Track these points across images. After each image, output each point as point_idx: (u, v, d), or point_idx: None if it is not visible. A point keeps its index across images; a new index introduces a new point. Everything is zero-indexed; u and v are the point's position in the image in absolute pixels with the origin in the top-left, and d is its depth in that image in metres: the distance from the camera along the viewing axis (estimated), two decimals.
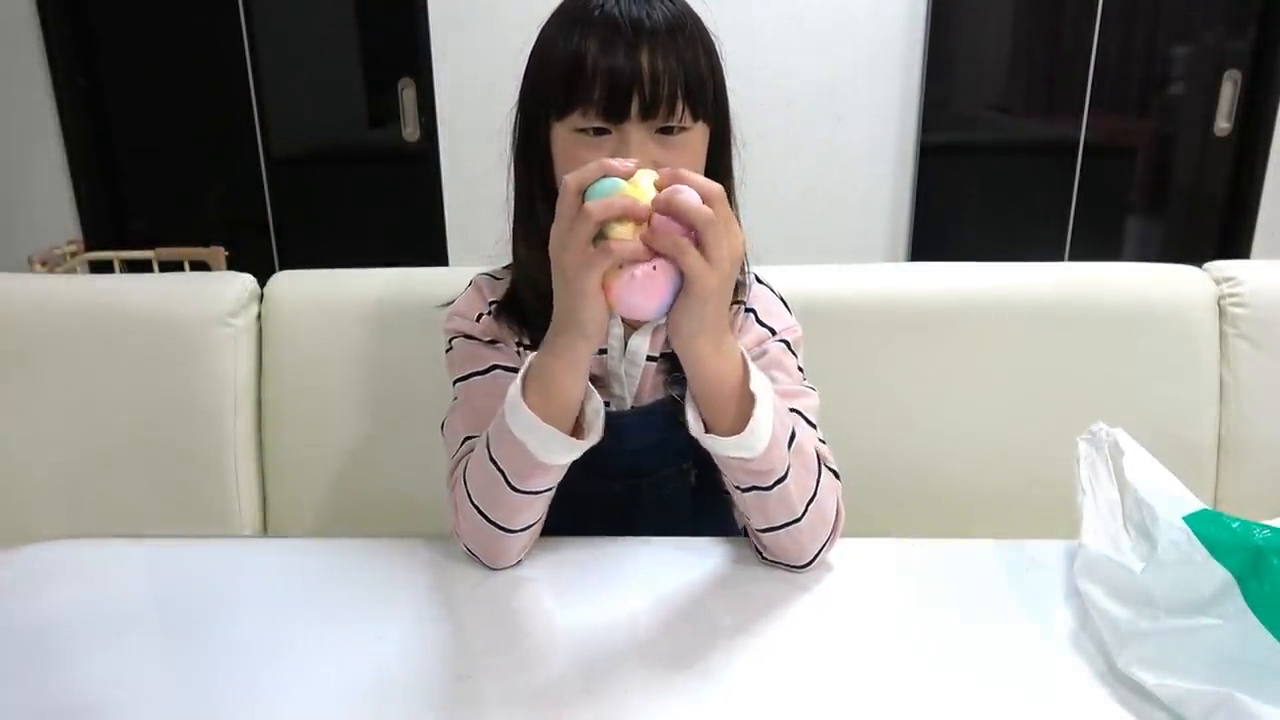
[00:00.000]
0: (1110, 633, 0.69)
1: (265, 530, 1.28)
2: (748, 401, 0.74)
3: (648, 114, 0.80)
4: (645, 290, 0.68)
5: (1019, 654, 0.72)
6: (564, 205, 0.68)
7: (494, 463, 0.78)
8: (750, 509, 0.80)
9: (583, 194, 0.68)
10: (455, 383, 0.91)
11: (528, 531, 0.82)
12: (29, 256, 2.22)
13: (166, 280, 1.38)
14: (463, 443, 0.87)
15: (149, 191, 2.98)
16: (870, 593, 0.80)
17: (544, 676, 0.69)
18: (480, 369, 0.89)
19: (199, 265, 2.18)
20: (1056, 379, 1.24)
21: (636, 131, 0.80)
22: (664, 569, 0.82)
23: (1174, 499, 0.72)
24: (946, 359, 1.24)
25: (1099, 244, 2.89)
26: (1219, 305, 1.24)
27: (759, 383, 0.75)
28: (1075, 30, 2.73)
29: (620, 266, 0.67)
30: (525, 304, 0.89)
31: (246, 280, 1.27)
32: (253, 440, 1.26)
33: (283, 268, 1.31)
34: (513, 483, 0.77)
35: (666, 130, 0.82)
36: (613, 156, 0.74)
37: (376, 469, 1.26)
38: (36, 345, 1.24)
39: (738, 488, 0.80)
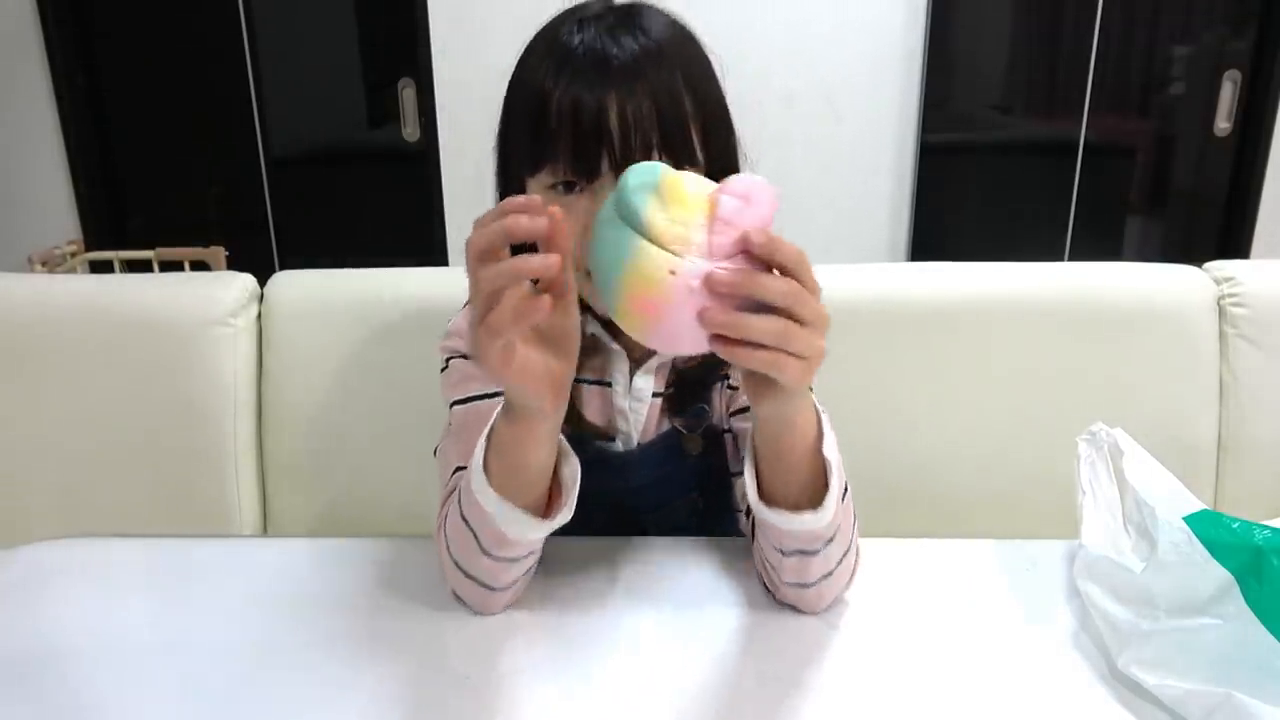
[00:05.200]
0: (1110, 633, 0.69)
1: (265, 530, 1.28)
2: (816, 465, 0.67)
3: (621, 169, 0.67)
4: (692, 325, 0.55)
5: (1019, 654, 0.72)
6: (469, 274, 0.57)
7: (466, 523, 0.71)
8: (787, 570, 0.72)
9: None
10: (451, 405, 0.84)
11: (512, 589, 0.75)
12: (29, 256, 2.22)
13: (166, 280, 1.38)
14: (454, 473, 0.80)
15: (149, 191, 2.98)
16: (870, 593, 0.80)
17: (545, 677, 0.69)
18: (476, 394, 0.83)
19: (199, 265, 2.18)
20: (1056, 379, 1.24)
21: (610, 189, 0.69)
22: (665, 570, 0.82)
23: (1174, 499, 0.72)
24: (946, 359, 1.24)
25: (1099, 244, 2.89)
26: (1219, 305, 1.23)
27: (832, 445, 0.67)
28: (1075, 30, 2.73)
29: (671, 272, 0.54)
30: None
31: (246, 280, 1.27)
32: (253, 440, 1.26)
33: (283, 268, 1.31)
34: (485, 548, 0.71)
35: None
36: (588, 214, 0.65)
37: (376, 469, 1.26)
38: (36, 345, 1.24)
39: (779, 550, 0.72)
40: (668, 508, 0.90)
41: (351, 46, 2.89)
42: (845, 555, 0.73)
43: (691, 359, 0.85)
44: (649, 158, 0.71)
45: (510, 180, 0.80)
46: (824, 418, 0.68)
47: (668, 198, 0.55)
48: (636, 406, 0.86)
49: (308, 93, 2.90)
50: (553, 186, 0.74)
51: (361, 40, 2.88)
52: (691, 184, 0.56)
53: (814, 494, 0.67)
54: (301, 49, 2.87)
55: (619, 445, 0.87)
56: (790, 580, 0.73)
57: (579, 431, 0.84)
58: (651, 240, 0.54)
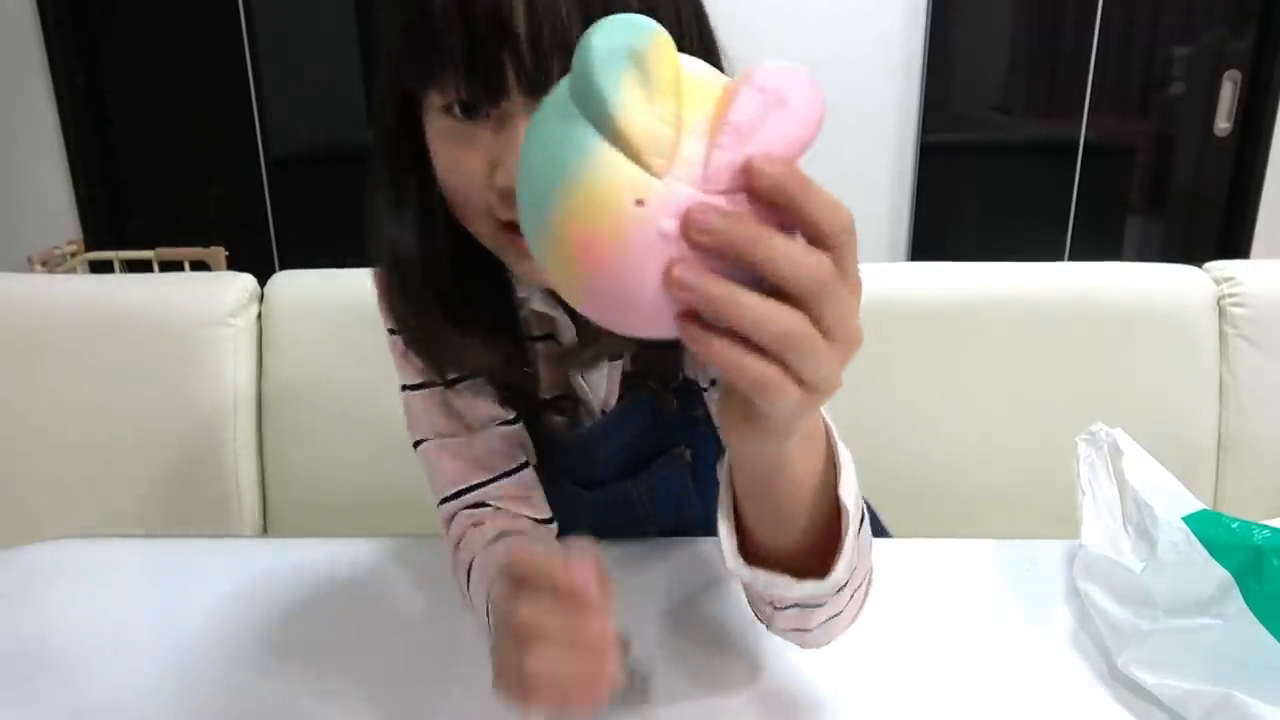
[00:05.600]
0: (1110, 633, 0.69)
1: (265, 530, 1.28)
2: (824, 508, 0.49)
3: (536, 85, 0.51)
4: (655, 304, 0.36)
5: (1019, 654, 0.72)
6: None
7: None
8: (783, 618, 0.60)
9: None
10: (401, 388, 0.76)
11: None
12: (29, 256, 2.22)
13: (166, 280, 1.38)
14: (447, 500, 0.76)
15: (149, 191, 2.98)
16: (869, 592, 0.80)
17: None
18: (419, 382, 0.75)
19: (199, 265, 2.18)
20: (1056, 379, 1.24)
21: (525, 115, 0.52)
22: (665, 570, 0.82)
23: (1173, 499, 0.72)
24: (946, 359, 1.24)
25: (1099, 244, 2.89)
26: (1219, 305, 1.24)
27: (851, 484, 0.49)
28: (1075, 30, 2.72)
29: (639, 202, 0.34)
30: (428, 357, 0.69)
31: (246, 280, 1.27)
32: (253, 440, 1.26)
33: (283, 268, 1.31)
34: None
35: None
36: (495, 149, 0.53)
37: (376, 469, 1.26)
38: (36, 345, 1.24)
39: (770, 603, 0.59)
40: (650, 469, 0.80)
41: (351, 46, 2.88)
42: (857, 590, 0.58)
43: None
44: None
45: (392, 104, 0.60)
46: (838, 446, 0.50)
47: (655, 77, 0.35)
48: (593, 378, 0.73)
49: (308, 93, 2.90)
50: (447, 110, 0.55)
51: (361, 40, 2.88)
52: (694, 64, 0.38)
53: (818, 546, 0.50)
54: (302, 49, 2.86)
55: (587, 422, 0.76)
56: (787, 626, 0.60)
57: (535, 413, 0.76)
58: (618, 143, 0.35)
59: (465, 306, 0.65)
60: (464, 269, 0.64)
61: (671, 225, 0.34)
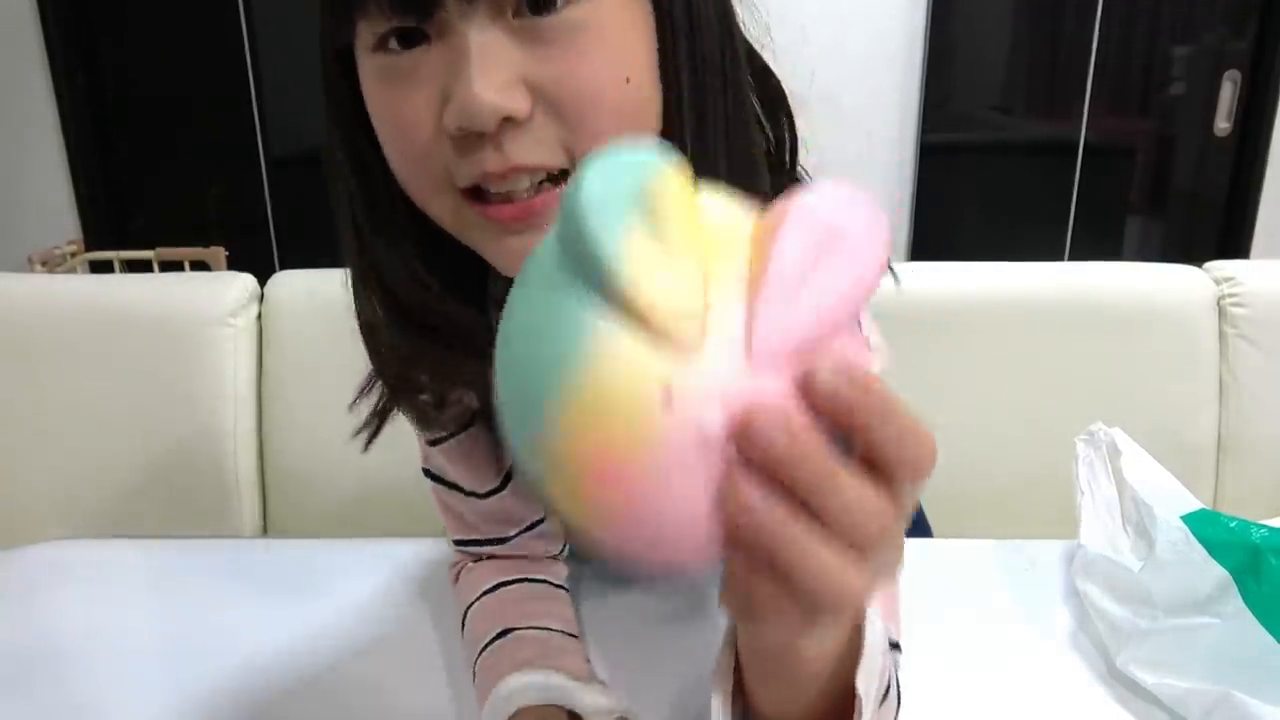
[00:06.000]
0: (1109, 632, 0.69)
1: (265, 530, 1.28)
2: (837, 689, 0.41)
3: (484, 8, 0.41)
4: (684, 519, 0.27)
5: (1018, 654, 0.72)
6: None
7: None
8: None
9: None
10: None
11: None
12: (29, 256, 2.22)
13: (166, 280, 1.38)
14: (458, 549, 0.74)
15: (149, 191, 2.98)
16: None
17: None
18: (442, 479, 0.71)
19: (199, 265, 2.18)
20: (1056, 379, 1.24)
21: (474, 29, 0.41)
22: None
23: (1172, 499, 0.72)
24: (946, 359, 1.24)
25: (1099, 244, 2.88)
26: (1219, 305, 1.24)
27: (871, 673, 0.41)
28: (1075, 30, 2.72)
29: (666, 394, 0.26)
30: (402, 391, 0.61)
31: (246, 280, 1.27)
32: (253, 440, 1.26)
33: (283, 268, 1.31)
34: None
35: (538, 3, 0.41)
36: (440, 77, 0.42)
37: (376, 469, 1.26)
38: (36, 345, 1.24)
39: None
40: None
41: None
42: None
43: None
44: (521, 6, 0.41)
45: (331, 60, 0.50)
46: (868, 627, 0.40)
47: (669, 222, 0.27)
48: None
49: (308, 93, 2.88)
50: (382, 46, 0.44)
51: None
52: (714, 198, 0.30)
53: (831, 712, 0.42)
54: (302, 49, 2.85)
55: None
56: None
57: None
58: (630, 317, 0.26)
59: (444, 317, 0.55)
60: (438, 268, 0.53)
61: (715, 419, 0.26)
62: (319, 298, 1.27)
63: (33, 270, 2.17)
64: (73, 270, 2.29)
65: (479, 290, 0.55)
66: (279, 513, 1.28)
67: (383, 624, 0.76)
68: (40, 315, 1.25)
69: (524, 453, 0.28)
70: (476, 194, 0.45)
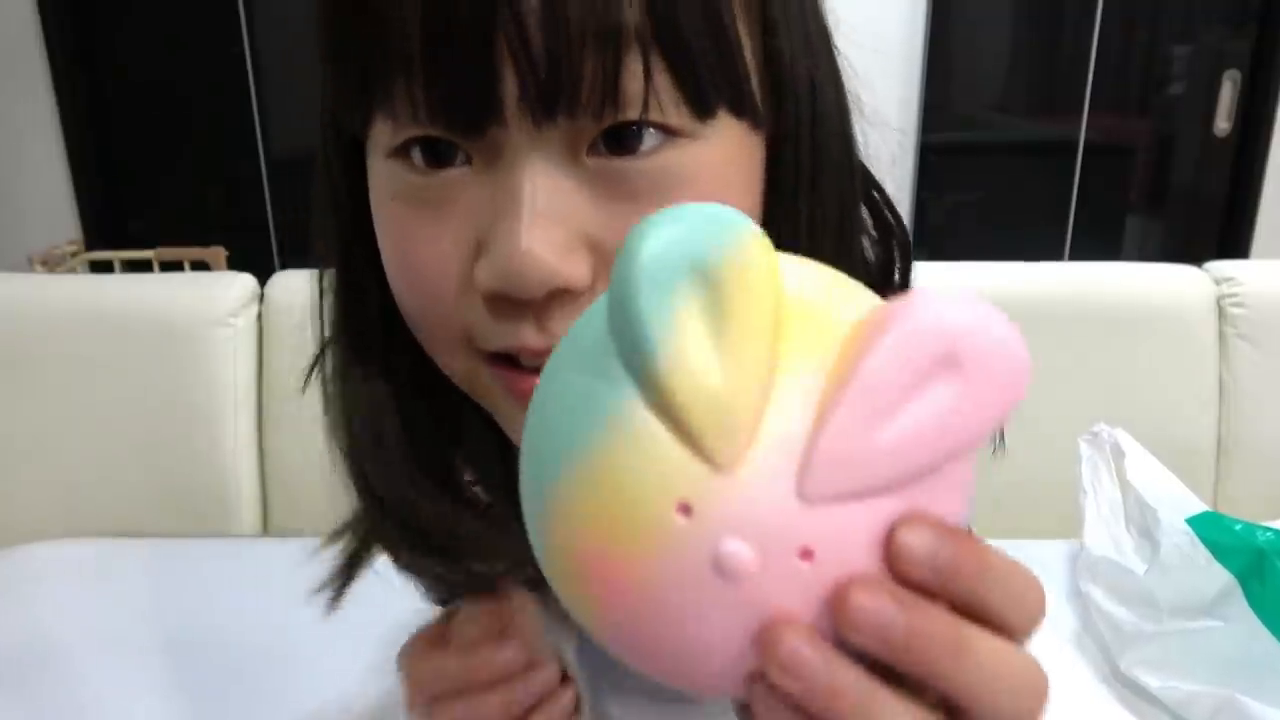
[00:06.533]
0: (1113, 635, 0.69)
1: (265, 530, 1.28)
2: None
3: (549, 100, 0.30)
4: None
5: None
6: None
7: None
8: None
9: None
10: None
11: None
12: (29, 256, 2.22)
13: (166, 280, 1.38)
14: None
15: (149, 191, 2.98)
16: None
17: None
18: None
19: (199, 265, 2.18)
20: (1056, 379, 1.24)
21: (536, 163, 0.31)
22: None
23: (1176, 501, 0.72)
24: None
25: (1099, 244, 2.89)
26: (1219, 305, 1.23)
27: None
28: (1075, 30, 2.72)
29: (685, 512, 0.22)
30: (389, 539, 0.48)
31: (246, 280, 1.27)
32: (253, 440, 1.26)
33: (283, 268, 1.31)
34: None
35: (620, 141, 0.31)
36: (478, 214, 0.32)
37: None
38: (36, 345, 1.24)
39: None
40: None
41: None
42: None
43: None
44: (615, 109, 0.30)
45: (333, 139, 0.41)
46: None
47: (733, 304, 0.22)
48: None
49: (308, 93, 2.87)
50: (403, 155, 0.33)
51: None
52: (804, 278, 0.24)
53: None
54: (302, 49, 2.85)
55: None
56: None
57: None
58: (661, 408, 0.22)
59: (449, 472, 0.46)
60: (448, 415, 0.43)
61: (739, 551, 0.22)
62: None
63: (33, 270, 2.17)
64: (73, 270, 2.29)
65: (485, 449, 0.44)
66: (279, 513, 1.28)
67: (382, 624, 0.76)
68: (40, 315, 1.25)
69: (530, 529, 0.25)
70: (505, 359, 0.35)
